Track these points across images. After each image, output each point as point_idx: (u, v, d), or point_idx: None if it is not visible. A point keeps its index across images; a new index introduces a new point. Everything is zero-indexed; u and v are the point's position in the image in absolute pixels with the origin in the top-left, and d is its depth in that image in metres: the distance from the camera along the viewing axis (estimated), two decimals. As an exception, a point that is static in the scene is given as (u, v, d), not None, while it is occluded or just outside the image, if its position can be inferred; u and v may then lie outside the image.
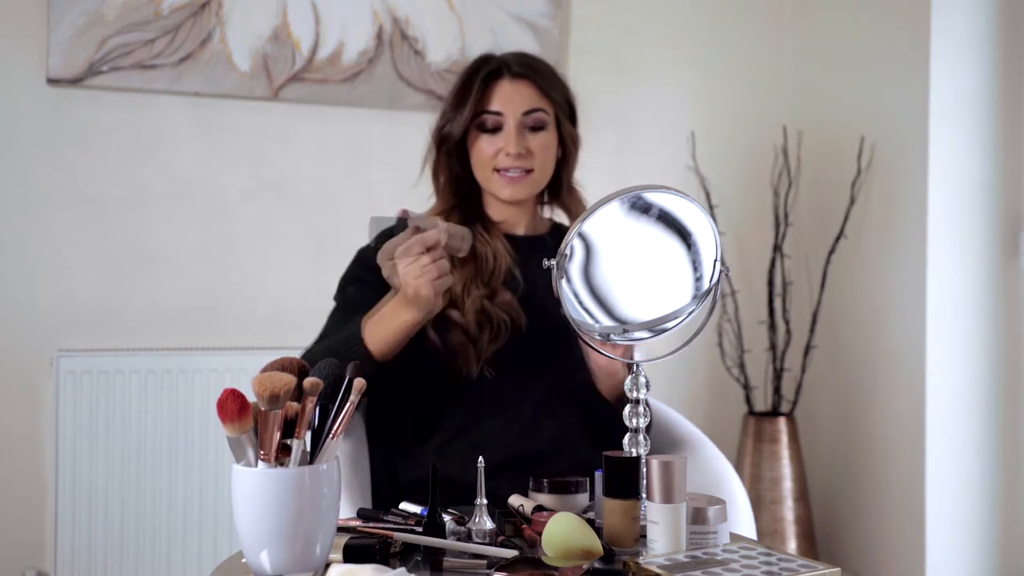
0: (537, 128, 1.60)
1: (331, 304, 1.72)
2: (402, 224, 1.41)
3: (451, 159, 1.64)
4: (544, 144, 1.60)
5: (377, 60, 2.82)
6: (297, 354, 1.18)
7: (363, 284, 1.62)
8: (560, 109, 1.63)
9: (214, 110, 2.72)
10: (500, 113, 1.59)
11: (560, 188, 1.67)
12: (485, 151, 1.60)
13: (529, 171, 1.59)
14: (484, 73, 1.61)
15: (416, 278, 1.38)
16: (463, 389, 1.56)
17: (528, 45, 2.90)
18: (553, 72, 1.67)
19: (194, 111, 2.71)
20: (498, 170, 1.59)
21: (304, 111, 2.80)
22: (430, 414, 1.58)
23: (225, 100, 2.73)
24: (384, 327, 1.46)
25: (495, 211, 1.66)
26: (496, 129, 1.59)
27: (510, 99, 1.59)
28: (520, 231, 1.68)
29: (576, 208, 1.66)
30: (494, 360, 1.56)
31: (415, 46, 2.86)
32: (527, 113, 1.59)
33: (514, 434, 1.55)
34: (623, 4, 3.14)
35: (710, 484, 1.59)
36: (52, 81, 2.56)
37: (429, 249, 1.39)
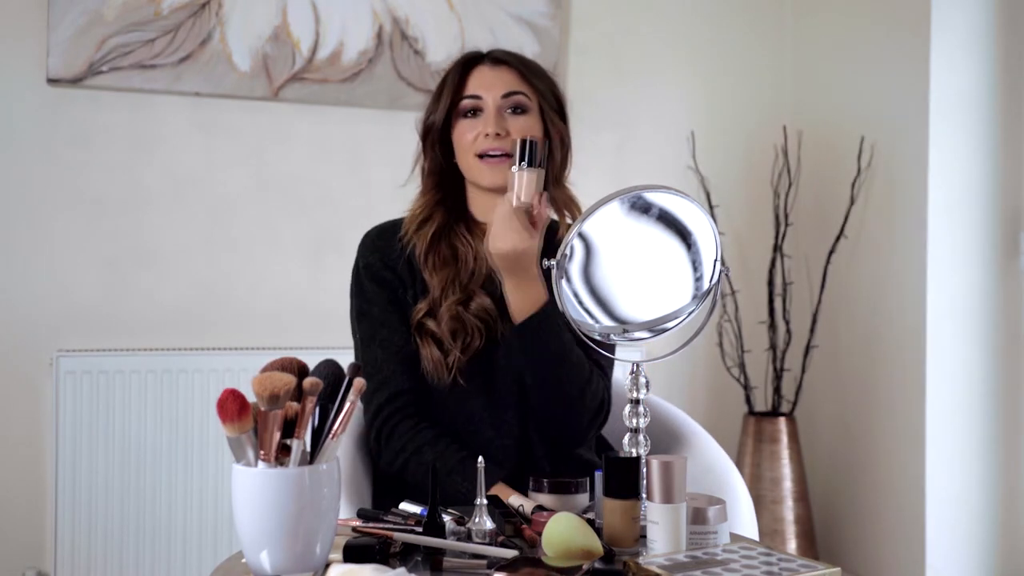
0: (518, 112, 1.57)
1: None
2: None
3: (435, 151, 1.61)
4: (524, 128, 1.57)
5: (377, 60, 2.82)
6: (297, 354, 1.18)
7: (384, 307, 1.58)
8: (544, 99, 1.60)
9: (214, 110, 2.72)
10: (479, 97, 1.57)
11: (546, 183, 1.61)
12: (466, 136, 1.57)
13: (509, 155, 1.55)
14: (463, 60, 1.61)
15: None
16: (440, 397, 1.54)
17: (528, 45, 2.90)
18: (540, 67, 1.64)
19: (194, 111, 2.71)
20: (480, 156, 1.56)
21: (304, 111, 2.80)
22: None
23: (225, 100, 2.73)
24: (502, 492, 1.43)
25: (479, 209, 1.62)
26: (476, 113, 1.57)
27: (490, 83, 1.57)
28: None
29: (566, 204, 1.62)
30: (468, 368, 1.52)
31: (415, 46, 2.86)
32: (506, 96, 1.56)
33: (494, 444, 1.52)
34: (623, 4, 3.14)
35: (713, 484, 1.59)
36: (52, 81, 2.56)
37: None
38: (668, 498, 1.12)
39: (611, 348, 1.49)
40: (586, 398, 1.53)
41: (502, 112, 1.57)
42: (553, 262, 1.29)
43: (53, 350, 2.56)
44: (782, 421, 2.99)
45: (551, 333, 1.48)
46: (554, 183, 1.62)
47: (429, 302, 1.55)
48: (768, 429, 2.98)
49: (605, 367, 1.61)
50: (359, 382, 1.12)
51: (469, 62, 1.60)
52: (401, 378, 1.54)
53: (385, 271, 1.59)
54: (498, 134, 1.54)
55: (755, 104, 3.28)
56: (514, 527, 1.25)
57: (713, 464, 1.63)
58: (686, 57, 3.22)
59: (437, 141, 1.61)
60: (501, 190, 1.56)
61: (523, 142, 1.45)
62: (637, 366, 1.30)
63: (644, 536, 1.16)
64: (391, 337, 1.56)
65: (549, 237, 1.60)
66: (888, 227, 2.93)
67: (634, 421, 1.29)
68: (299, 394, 1.07)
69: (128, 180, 2.67)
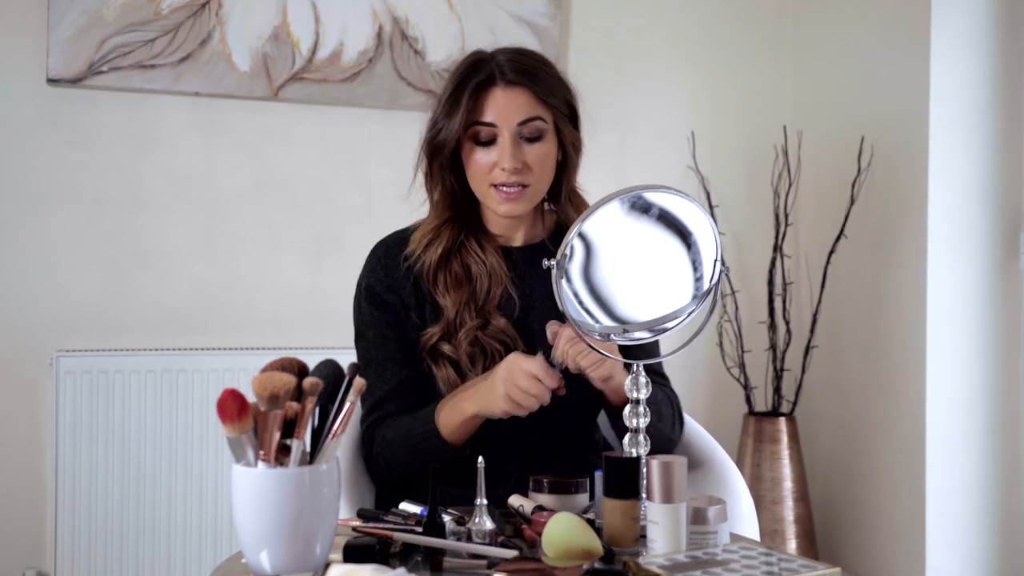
0: (534, 139, 1.49)
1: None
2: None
3: (445, 171, 1.53)
4: (542, 155, 1.50)
5: (377, 60, 2.82)
6: (297, 354, 1.18)
7: (380, 330, 1.55)
8: (559, 114, 1.52)
9: (214, 110, 2.72)
10: (494, 125, 1.47)
11: (560, 194, 1.58)
12: (480, 165, 1.49)
13: (526, 186, 1.49)
14: (476, 82, 1.48)
15: (516, 394, 1.37)
16: None
17: (528, 45, 2.88)
18: (551, 73, 1.54)
19: (194, 111, 2.71)
20: (495, 185, 1.49)
21: (304, 111, 2.80)
22: None
23: (225, 100, 2.73)
24: (452, 418, 1.43)
25: (492, 223, 1.58)
26: (491, 141, 1.48)
27: (504, 109, 1.47)
28: (517, 242, 1.60)
29: (578, 210, 1.57)
30: None
31: (415, 46, 2.86)
32: (523, 123, 1.48)
33: (516, 463, 1.50)
34: (623, 4, 3.14)
35: (713, 484, 1.59)
36: (52, 81, 2.56)
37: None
38: (668, 498, 1.12)
39: (654, 352, 1.52)
40: (675, 431, 1.57)
41: (518, 141, 1.48)
42: (553, 262, 1.29)
43: (53, 350, 2.56)
44: (782, 421, 2.99)
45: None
46: (568, 197, 1.59)
47: (444, 325, 1.51)
48: (768, 429, 2.98)
49: (661, 371, 1.63)
50: (359, 382, 1.12)
51: (481, 83, 1.49)
52: (391, 405, 1.52)
53: (387, 294, 1.54)
54: (516, 169, 1.47)
55: (755, 104, 3.28)
56: (514, 527, 1.25)
57: (713, 464, 1.63)
58: (686, 57, 3.22)
59: (447, 163, 1.53)
60: (516, 219, 1.55)
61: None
62: (637, 366, 1.30)
63: (644, 536, 1.16)
64: (385, 364, 1.53)
65: (557, 238, 1.59)
66: (888, 227, 2.93)
67: (634, 421, 1.29)
68: (299, 394, 1.07)
69: (128, 180, 2.67)
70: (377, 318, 1.54)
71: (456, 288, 1.52)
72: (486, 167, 1.49)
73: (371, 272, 1.57)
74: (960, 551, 2.79)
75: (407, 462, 1.48)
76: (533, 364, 1.37)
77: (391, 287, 1.55)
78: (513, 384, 1.37)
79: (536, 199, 1.54)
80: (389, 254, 1.57)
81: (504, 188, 1.49)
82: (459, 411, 1.44)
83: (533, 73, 1.51)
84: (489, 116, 1.48)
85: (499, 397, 1.38)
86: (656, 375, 1.59)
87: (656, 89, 3.18)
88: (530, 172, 1.49)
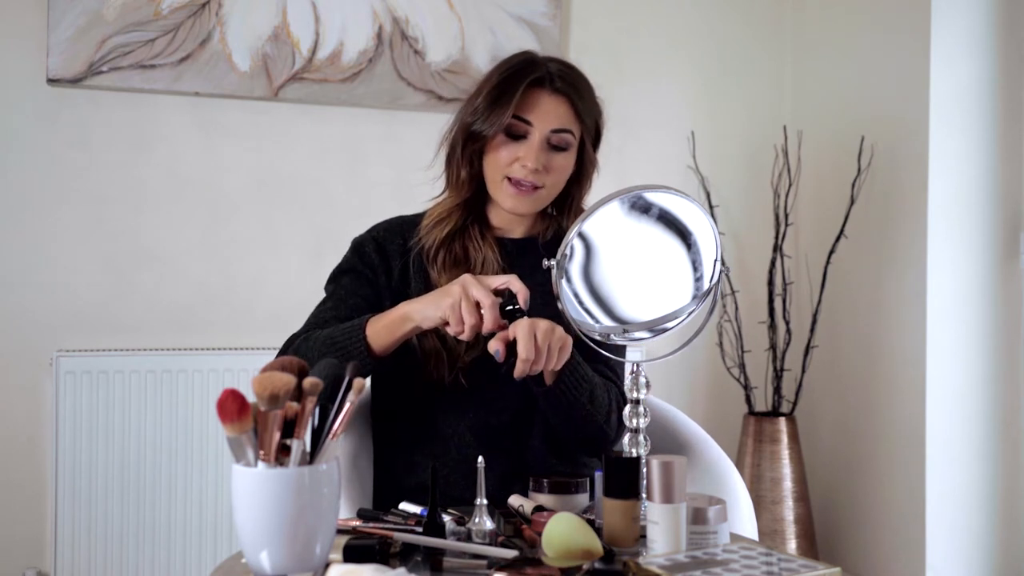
0: (559, 148, 1.54)
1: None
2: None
3: (476, 156, 1.57)
4: (562, 166, 1.55)
5: (377, 60, 2.82)
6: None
7: (358, 275, 1.60)
8: (587, 133, 1.58)
9: (214, 110, 2.72)
10: (530, 123, 1.52)
11: (565, 204, 1.63)
12: (502, 156, 1.53)
13: (538, 188, 1.54)
14: (530, 79, 1.53)
15: (455, 304, 1.35)
16: (440, 396, 1.53)
17: (528, 45, 2.89)
18: (592, 94, 1.60)
19: (194, 111, 2.71)
20: (508, 178, 1.53)
21: (304, 111, 2.80)
22: (411, 420, 1.56)
23: (225, 100, 2.73)
24: (384, 319, 1.43)
25: (495, 215, 1.62)
26: (520, 137, 1.53)
27: (545, 112, 1.53)
28: (515, 235, 1.64)
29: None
30: (473, 367, 1.52)
31: (415, 46, 2.86)
32: (556, 131, 1.53)
33: (500, 443, 1.52)
34: (623, 4, 3.14)
35: (713, 485, 1.59)
36: (52, 81, 2.56)
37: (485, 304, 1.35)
38: (668, 498, 1.12)
39: (620, 353, 1.50)
40: (610, 422, 1.54)
41: (545, 145, 1.53)
42: (553, 262, 1.29)
43: (53, 350, 2.56)
44: (782, 421, 2.99)
45: (578, 387, 1.47)
46: (575, 214, 1.62)
47: None
48: (768, 429, 2.98)
49: (616, 370, 1.62)
50: (359, 382, 1.12)
51: (533, 82, 1.54)
52: (334, 322, 1.54)
53: (376, 253, 1.60)
54: (536, 169, 1.52)
55: (755, 104, 3.28)
56: (514, 527, 1.25)
57: (713, 464, 1.63)
58: (686, 57, 3.22)
59: (476, 151, 1.56)
60: (519, 216, 1.60)
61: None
62: (637, 366, 1.30)
63: (644, 536, 1.16)
64: (346, 299, 1.57)
65: (553, 243, 1.60)
66: (888, 227, 2.93)
67: (634, 421, 1.29)
68: (299, 394, 1.07)
69: (128, 180, 2.67)
70: (359, 270, 1.60)
71: (453, 267, 1.57)
72: (507, 160, 1.54)
73: (371, 232, 1.64)
74: (960, 551, 2.79)
75: (317, 348, 1.46)
76: (486, 295, 1.35)
77: (381, 249, 1.60)
78: (465, 295, 1.36)
79: (542, 203, 1.58)
80: (392, 229, 1.64)
81: (518, 183, 1.53)
82: (392, 309, 1.43)
83: (578, 89, 1.58)
84: (529, 114, 1.53)
85: (448, 303, 1.36)
86: (612, 373, 1.60)
87: (656, 89, 3.18)
88: (547, 176, 1.54)
